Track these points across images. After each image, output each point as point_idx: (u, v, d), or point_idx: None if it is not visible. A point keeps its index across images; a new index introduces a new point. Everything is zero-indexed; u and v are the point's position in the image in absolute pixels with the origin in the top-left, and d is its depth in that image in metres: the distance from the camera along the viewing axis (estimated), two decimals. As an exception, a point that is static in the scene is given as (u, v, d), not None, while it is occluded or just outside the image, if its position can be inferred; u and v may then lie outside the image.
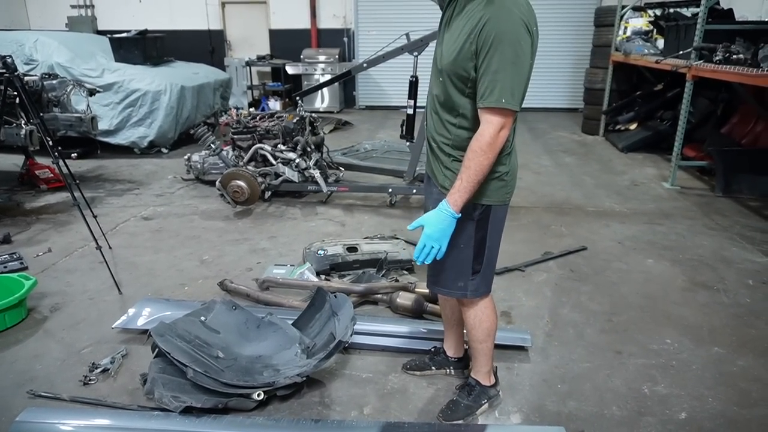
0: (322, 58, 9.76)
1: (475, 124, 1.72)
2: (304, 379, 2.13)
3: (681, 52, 5.39)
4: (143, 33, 6.93)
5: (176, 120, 6.49)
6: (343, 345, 2.19)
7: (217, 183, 4.50)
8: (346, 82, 10.12)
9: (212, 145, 4.72)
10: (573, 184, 5.42)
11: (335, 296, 2.45)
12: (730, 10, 5.80)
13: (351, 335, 2.23)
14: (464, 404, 2.13)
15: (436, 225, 1.74)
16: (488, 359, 2.14)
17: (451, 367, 2.39)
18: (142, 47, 6.75)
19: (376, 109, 10.17)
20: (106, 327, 2.70)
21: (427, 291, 2.90)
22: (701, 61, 4.91)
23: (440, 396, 2.24)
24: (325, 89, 9.72)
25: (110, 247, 3.69)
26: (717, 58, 4.68)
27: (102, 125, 5.69)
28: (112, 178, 5.55)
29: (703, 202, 4.87)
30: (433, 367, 2.39)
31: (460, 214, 1.74)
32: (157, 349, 2.20)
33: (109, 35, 7.00)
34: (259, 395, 2.07)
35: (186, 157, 5.36)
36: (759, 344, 2.61)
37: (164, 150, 6.61)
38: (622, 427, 2.06)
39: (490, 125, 1.65)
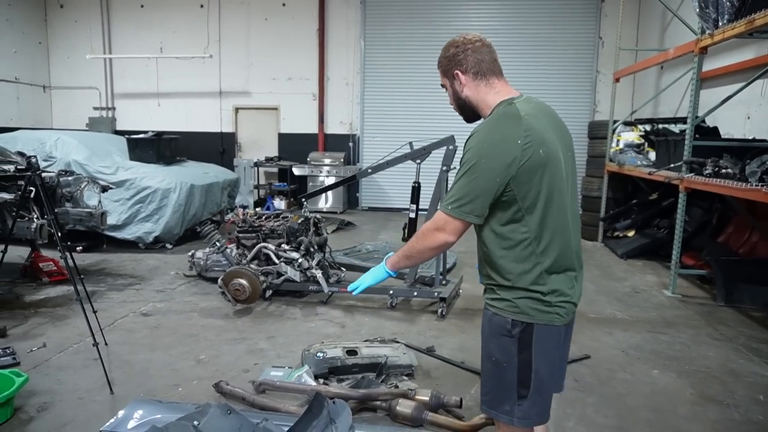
0: (327, 161, 10.17)
1: (487, 242, 1.77)
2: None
3: (672, 165, 5.63)
4: (159, 134, 7.31)
5: (183, 217, 6.65)
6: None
7: (219, 281, 4.52)
8: (349, 184, 10.45)
9: (217, 243, 4.79)
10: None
11: (333, 402, 2.38)
12: (716, 128, 6.14)
13: (349, 445, 2.14)
14: None
15: (372, 272, 2.04)
16: None
17: None
18: (157, 147, 7.08)
19: (378, 211, 10.41)
20: (93, 430, 2.59)
21: (427, 398, 2.83)
22: (692, 174, 5.12)
23: None
24: (329, 191, 10.04)
25: (106, 344, 3.63)
26: (707, 171, 4.88)
27: (110, 220, 5.82)
28: (115, 273, 5.58)
29: (705, 311, 4.85)
30: None
31: (392, 272, 1.97)
32: (145, 456, 2.10)
33: (126, 136, 7.38)
34: None
35: (190, 253, 5.42)
36: (776, 466, 2.49)
37: (168, 246, 6.69)
38: None
39: (432, 221, 1.79)
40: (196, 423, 2.35)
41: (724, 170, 4.71)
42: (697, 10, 4.99)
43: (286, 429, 2.43)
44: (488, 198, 1.69)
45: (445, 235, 1.75)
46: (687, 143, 5.24)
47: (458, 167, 1.74)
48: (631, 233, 7.36)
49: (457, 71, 1.87)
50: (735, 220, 6.01)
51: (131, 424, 2.53)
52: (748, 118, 6.13)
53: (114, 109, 11.27)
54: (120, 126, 11.06)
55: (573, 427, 2.80)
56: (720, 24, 4.73)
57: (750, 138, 5.68)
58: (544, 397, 1.80)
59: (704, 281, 5.75)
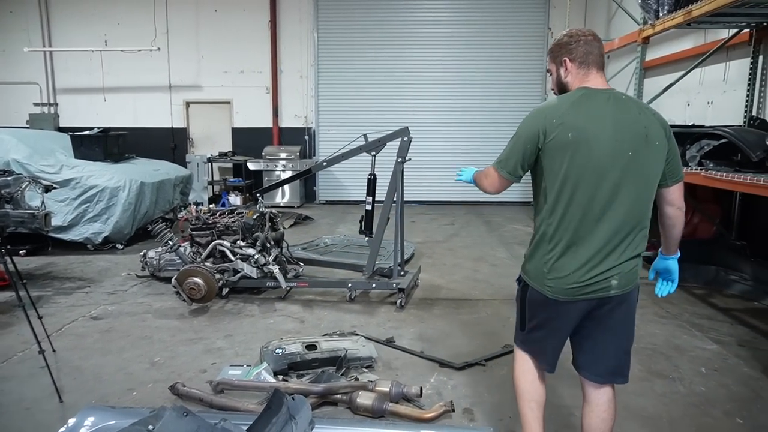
0: (283, 155, 10.04)
1: (535, 199, 2.11)
2: (258, 492, 1.99)
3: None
4: (105, 131, 7.03)
5: (134, 216, 6.44)
6: (301, 452, 2.08)
7: (173, 280, 4.41)
8: (306, 178, 10.36)
9: (169, 242, 4.67)
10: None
11: (293, 398, 2.36)
12: (659, 115, 6.38)
13: (309, 441, 2.13)
14: None
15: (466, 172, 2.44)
16: (524, 423, 2.23)
17: None
18: (103, 144, 6.81)
19: (335, 204, 10.36)
20: (42, 440, 2.50)
21: (387, 389, 2.85)
22: (637, 160, 5.31)
23: (403, 505, 2.13)
24: (286, 185, 9.92)
25: (54, 350, 3.49)
26: (651, 157, 5.07)
27: (55, 221, 5.57)
28: (62, 276, 5.36)
29: (651, 290, 5.02)
30: None
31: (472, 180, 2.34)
32: (97, 465, 2.04)
33: (71, 133, 7.06)
34: None
35: (142, 253, 5.25)
36: (717, 434, 2.64)
37: (119, 246, 6.47)
38: None
39: (484, 170, 2.19)
40: (150, 427, 2.28)
41: (666, 155, 4.90)
42: (640, 1, 5.16)
43: (246, 428, 2.40)
44: (519, 160, 2.01)
45: (489, 182, 2.16)
46: (632, 130, 5.43)
47: None
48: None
49: (566, 58, 2.04)
50: (678, 203, 6.28)
51: (82, 432, 2.44)
52: (688, 105, 6.40)
53: (56, 105, 10.76)
54: (64, 123, 10.56)
55: (529, 408, 2.87)
56: (660, 15, 4.91)
57: (690, 124, 5.93)
58: (533, 339, 2.17)
59: (649, 261, 5.97)
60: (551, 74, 2.14)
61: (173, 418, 2.37)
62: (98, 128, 7.17)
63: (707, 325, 4.12)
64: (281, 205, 9.93)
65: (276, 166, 9.89)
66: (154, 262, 5.15)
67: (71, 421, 2.53)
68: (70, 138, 6.83)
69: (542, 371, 2.23)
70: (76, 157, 6.63)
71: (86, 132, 7.00)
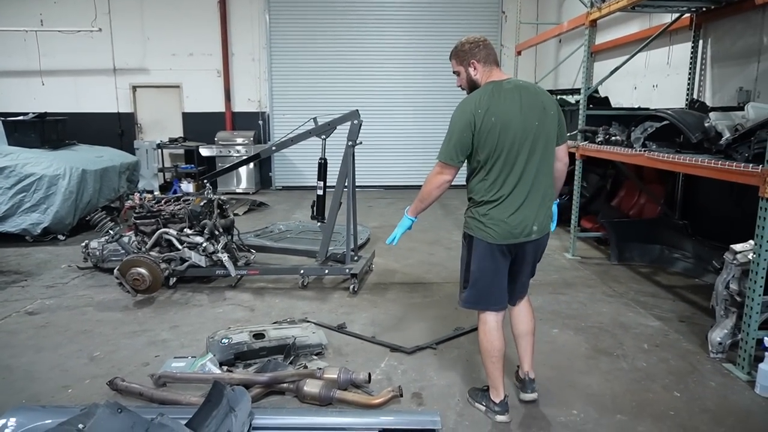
0: (237, 140, 9.78)
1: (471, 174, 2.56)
2: (194, 488, 1.92)
3: (568, 134, 5.90)
4: (41, 116, 6.66)
5: (76, 205, 6.15)
6: (238, 445, 2.01)
7: (115, 271, 4.22)
8: (261, 163, 10.14)
9: (110, 231, 4.47)
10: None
11: (233, 390, 2.29)
12: (607, 98, 6.51)
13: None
14: (476, 391, 2.76)
15: (399, 225, 2.74)
16: (489, 375, 2.64)
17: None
18: (40, 130, 6.46)
19: (292, 190, 10.20)
20: (-36, 445, 2.34)
21: (335, 376, 2.80)
22: (586, 142, 5.40)
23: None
24: (241, 170, 9.70)
25: (-18, 349, 3.29)
26: (599, 139, 5.17)
27: (-13, 212, 5.28)
28: (-4, 270, 5.07)
29: (601, 270, 5.18)
30: None
31: (413, 218, 2.71)
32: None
33: (2, 118, 6.66)
34: None
35: (83, 244, 5.01)
36: (656, 408, 2.71)
37: (61, 237, 6.18)
38: None
39: (433, 170, 2.53)
40: (81, 426, 2.17)
41: (613, 137, 4.99)
42: (587, -16, 5.20)
43: (185, 422, 2.32)
44: (460, 148, 2.43)
45: (444, 175, 2.49)
46: (581, 113, 5.51)
47: None
48: (535, 201, 7.69)
49: (473, 60, 2.53)
50: (626, 184, 6.44)
51: (7, 434, 2.30)
52: (635, 88, 6.55)
53: (-10, 89, 10.15)
54: (-1, 108, 9.98)
55: (478, 390, 2.89)
56: (607, -2, 4.96)
57: (636, 107, 6.06)
58: (478, 288, 2.57)
59: (600, 243, 6.14)
60: (459, 75, 2.61)
61: (106, 415, 2.26)
62: (34, 113, 6.78)
63: (651, 302, 4.25)
64: (237, 191, 9.71)
65: (229, 152, 9.62)
66: (97, 253, 4.93)
67: (-6, 424, 2.39)
68: (1, 124, 6.43)
69: (499, 323, 2.63)
70: (9, 144, 6.26)
71: (20, 117, 6.60)
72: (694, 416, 2.63)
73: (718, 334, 3.24)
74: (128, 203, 4.84)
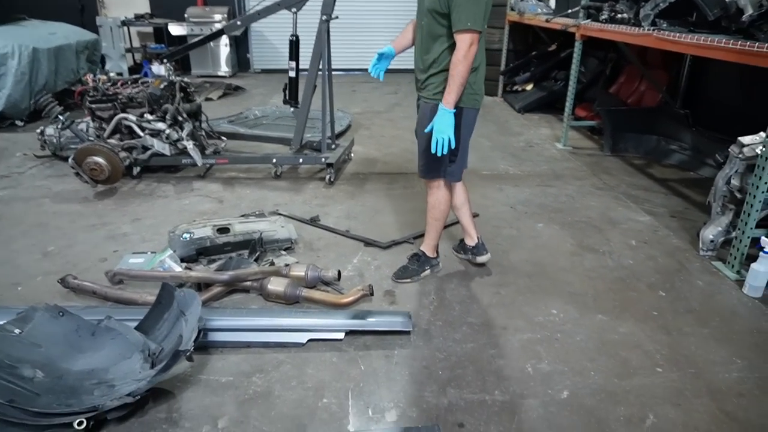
0: (214, 17, 8.93)
1: (452, 47, 2.32)
2: (137, 398, 1.78)
3: (570, 11, 5.36)
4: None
5: (30, 87, 5.65)
6: (184, 355, 1.85)
7: (69, 160, 3.90)
8: (238, 44, 9.39)
9: (60, 117, 4.07)
10: (469, 147, 5.29)
11: (182, 293, 2.10)
12: (616, -31, 5.82)
13: (196, 341, 1.90)
14: (412, 268, 2.81)
15: (440, 122, 2.33)
16: (436, 235, 2.81)
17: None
18: (-19, 1, 5.74)
19: (271, 73, 9.54)
20: None
21: (302, 273, 2.62)
22: (589, 20, 4.88)
23: (307, 400, 1.98)
24: (218, 52, 8.99)
25: (-75, 244, 3.07)
26: (603, 17, 4.65)
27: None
28: (-53, 158, 4.72)
29: (592, 161, 4.93)
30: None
31: (454, 110, 2.34)
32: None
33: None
34: (80, 424, 1.70)
35: (38, 130, 4.62)
36: (639, 308, 2.58)
37: (19, 123, 5.74)
38: (503, 414, 1.91)
39: (463, 42, 2.26)
40: (17, 331, 2.00)
41: (619, 15, 4.49)
42: None
43: (134, 326, 2.15)
44: (483, 13, 2.30)
45: (475, 47, 2.28)
46: (586, -15, 4.93)
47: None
48: (529, 87, 7.25)
49: None
50: (627, 69, 5.99)
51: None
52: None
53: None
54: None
55: (454, 288, 2.74)
56: None
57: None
58: (462, 159, 2.65)
59: (594, 132, 5.83)
60: None
61: (45, 319, 2.06)
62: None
63: (643, 196, 4.04)
64: (215, 75, 9.07)
65: (202, 30, 8.82)
66: (54, 140, 4.57)
67: None
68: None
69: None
70: (-53, 17, 5.59)
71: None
72: (678, 317, 2.52)
73: (711, 232, 3.07)
74: (81, 86, 4.38)
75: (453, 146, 2.35)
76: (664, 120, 5.00)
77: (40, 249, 3.12)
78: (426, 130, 2.39)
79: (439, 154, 2.36)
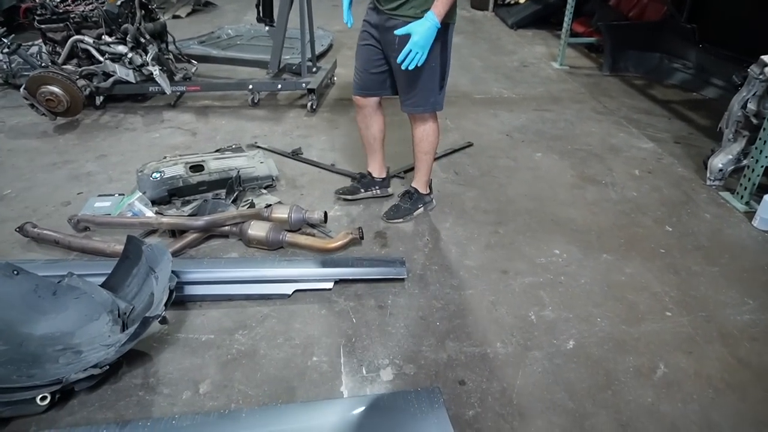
0: None
1: None
2: (105, 368, 1.61)
3: None
4: None
5: (-27, 5, 5.06)
6: (153, 321, 1.66)
7: (21, 90, 3.51)
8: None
9: (3, 39, 3.63)
10: (460, 68, 4.95)
11: (150, 247, 1.88)
12: None
13: (168, 303, 1.71)
14: (404, 207, 2.59)
15: (422, 32, 2.00)
16: (428, 170, 2.58)
17: (377, 187, 2.74)
18: None
19: (245, -14, 8.79)
20: None
21: (285, 216, 2.41)
22: None
23: (296, 359, 1.84)
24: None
25: None
26: None
27: None
28: None
29: (591, 82, 4.64)
30: (362, 189, 2.73)
31: (440, 24, 2.02)
32: None
33: None
34: (44, 399, 1.54)
35: (-15, 55, 4.17)
36: (645, 245, 2.44)
37: (-34, 46, 5.20)
38: (507, 368, 1.79)
39: None
40: (-34, 293, 1.79)
41: None
42: None
43: (100, 283, 1.95)
44: None
45: None
46: None
47: None
48: (522, 0, 6.75)
49: None
50: (629, -22, 5.54)
51: None
52: None
53: None
54: None
55: (450, 228, 2.56)
56: None
57: None
58: (447, 82, 2.36)
59: (592, 50, 5.48)
60: None
61: None
62: None
63: (645, 120, 3.81)
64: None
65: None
66: (4, 66, 4.13)
67: None
68: None
69: None
70: None
71: None
72: (686, 254, 2.38)
73: (720, 160, 2.88)
74: (27, 2, 3.89)
75: (421, 63, 2.05)
76: (669, 35, 4.66)
77: (-4, 192, 2.84)
78: (399, 32, 2.04)
79: (403, 67, 2.05)
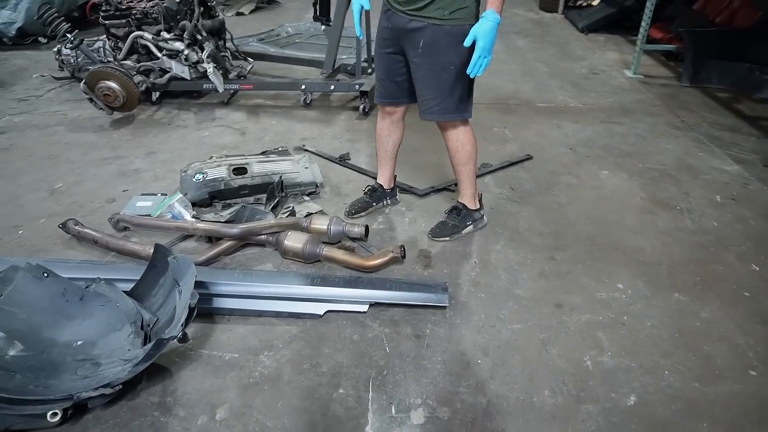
0: None
1: None
2: (117, 388, 1.52)
3: None
4: None
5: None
6: (170, 340, 1.56)
7: (81, 85, 3.58)
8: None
9: (68, 35, 3.71)
10: (524, 74, 4.69)
11: (176, 259, 1.79)
12: None
13: (187, 323, 1.61)
14: (451, 224, 2.41)
15: (488, 35, 1.85)
16: (472, 182, 2.39)
17: (387, 198, 2.63)
18: None
19: (310, -16, 8.80)
20: None
21: (324, 227, 2.28)
22: None
23: (321, 389, 1.70)
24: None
25: (-72, 176, 2.87)
26: None
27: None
28: (-36, 78, 4.49)
29: (667, 93, 4.26)
30: (374, 203, 2.60)
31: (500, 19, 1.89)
32: None
33: None
34: (54, 415, 1.47)
35: (55, 49, 4.30)
36: (726, 286, 2.13)
37: (42, 39, 5.44)
38: (554, 423, 1.57)
39: None
40: (-4, 294, 1.75)
41: None
42: None
43: (129, 288, 1.88)
44: None
45: None
46: None
47: None
48: (595, 2, 6.37)
49: None
50: (718, -20, 5.07)
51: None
52: None
53: None
54: None
55: (501, 250, 2.35)
56: None
57: None
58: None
59: (671, 58, 5.07)
60: None
61: (27, 281, 1.75)
62: None
63: (729, 138, 3.44)
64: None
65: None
66: (71, 60, 4.24)
67: None
68: None
69: None
70: None
71: None
72: (775, 300, 2.07)
73: (820, 190, 2.52)
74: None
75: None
76: (761, 44, 4.21)
77: (48, 185, 2.87)
78: (466, 44, 1.87)
79: (472, 75, 1.92)
